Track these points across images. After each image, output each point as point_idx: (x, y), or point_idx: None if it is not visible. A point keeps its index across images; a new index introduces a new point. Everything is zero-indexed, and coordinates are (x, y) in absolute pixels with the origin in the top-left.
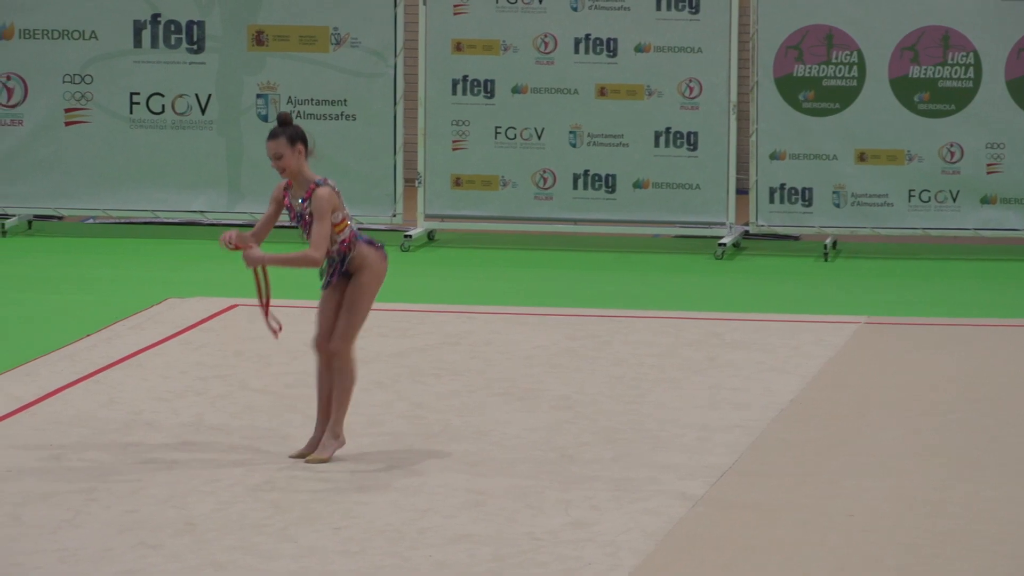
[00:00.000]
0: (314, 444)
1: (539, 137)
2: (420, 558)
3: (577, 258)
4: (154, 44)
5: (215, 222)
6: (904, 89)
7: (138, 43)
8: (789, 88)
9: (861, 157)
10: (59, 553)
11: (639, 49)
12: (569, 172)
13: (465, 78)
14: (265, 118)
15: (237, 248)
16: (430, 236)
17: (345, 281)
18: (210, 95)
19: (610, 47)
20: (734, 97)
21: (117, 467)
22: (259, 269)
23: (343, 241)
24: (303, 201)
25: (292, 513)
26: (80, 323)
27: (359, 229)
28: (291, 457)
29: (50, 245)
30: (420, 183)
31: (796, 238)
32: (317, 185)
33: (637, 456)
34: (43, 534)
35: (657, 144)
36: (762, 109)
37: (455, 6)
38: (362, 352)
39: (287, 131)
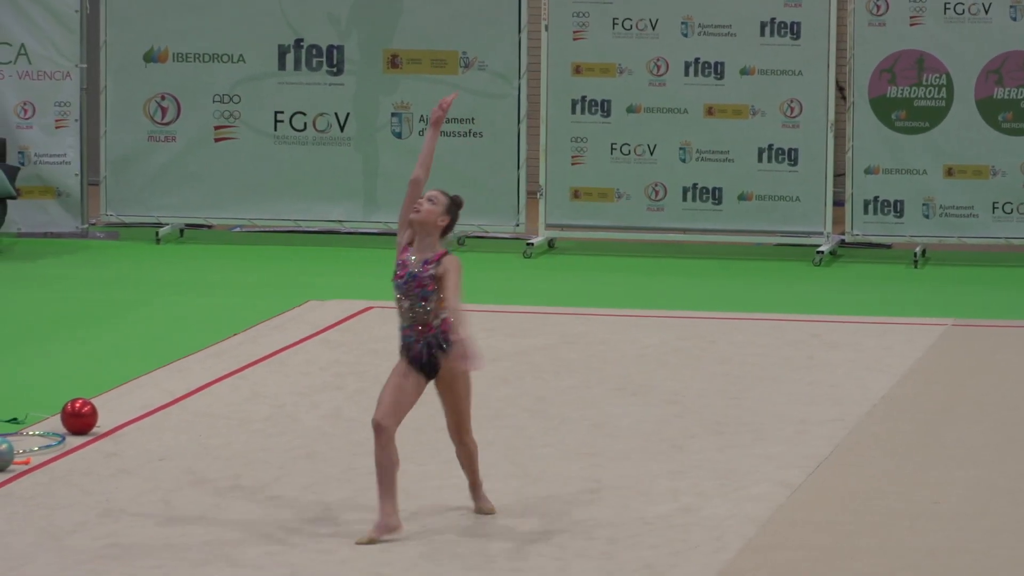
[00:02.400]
0: (479, 498)
1: (651, 153)
2: (541, 541)
3: (685, 265)
4: (297, 67)
5: (352, 231)
6: (989, 109)
7: (282, 66)
8: (883, 108)
9: (949, 172)
10: (206, 535)
11: (744, 72)
12: (679, 185)
13: (583, 98)
14: (399, 135)
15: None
16: (550, 244)
17: (425, 372)
18: (348, 114)
19: (717, 70)
20: (832, 116)
21: (260, 456)
22: None
23: (445, 319)
24: (427, 264)
25: (422, 500)
26: (227, 323)
27: None
28: (477, 513)
29: (200, 252)
30: (541, 195)
31: (888, 247)
32: (447, 252)
33: (740, 447)
34: (192, 518)
35: (760, 160)
36: (858, 127)
37: (575, 32)
38: (489, 350)
39: (452, 200)
